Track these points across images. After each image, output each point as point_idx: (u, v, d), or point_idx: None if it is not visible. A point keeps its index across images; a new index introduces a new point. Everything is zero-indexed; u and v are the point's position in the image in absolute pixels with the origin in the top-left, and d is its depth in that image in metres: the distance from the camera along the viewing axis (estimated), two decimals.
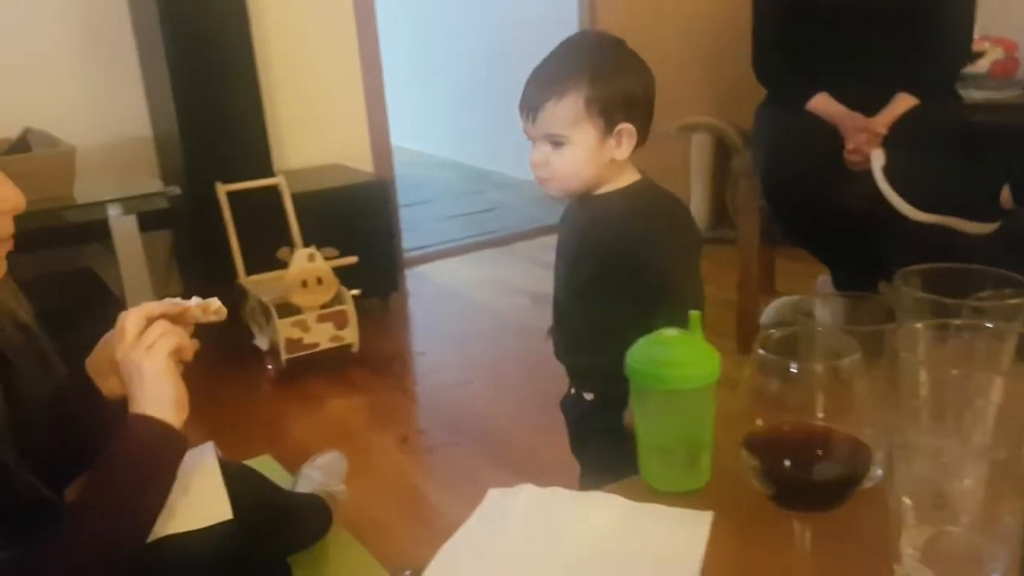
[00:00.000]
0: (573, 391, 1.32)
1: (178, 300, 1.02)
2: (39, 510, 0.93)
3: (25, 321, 1.06)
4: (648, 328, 0.85)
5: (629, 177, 1.21)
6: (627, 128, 1.17)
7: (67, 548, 0.89)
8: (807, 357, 0.60)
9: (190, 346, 0.99)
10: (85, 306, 2.31)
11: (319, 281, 2.50)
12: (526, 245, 3.65)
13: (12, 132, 2.34)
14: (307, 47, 3.00)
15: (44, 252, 2.52)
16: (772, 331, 0.62)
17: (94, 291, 2.45)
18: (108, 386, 1.10)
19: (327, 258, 2.52)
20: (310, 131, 3.05)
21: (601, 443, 1.28)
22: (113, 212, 2.19)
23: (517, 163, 4.54)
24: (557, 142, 1.16)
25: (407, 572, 0.82)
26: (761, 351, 0.59)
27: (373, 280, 2.85)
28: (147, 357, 0.94)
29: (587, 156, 1.16)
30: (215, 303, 1.03)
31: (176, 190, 2.34)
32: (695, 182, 3.62)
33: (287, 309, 2.48)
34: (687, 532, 0.77)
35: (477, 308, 3.08)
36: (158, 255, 2.75)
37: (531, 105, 1.17)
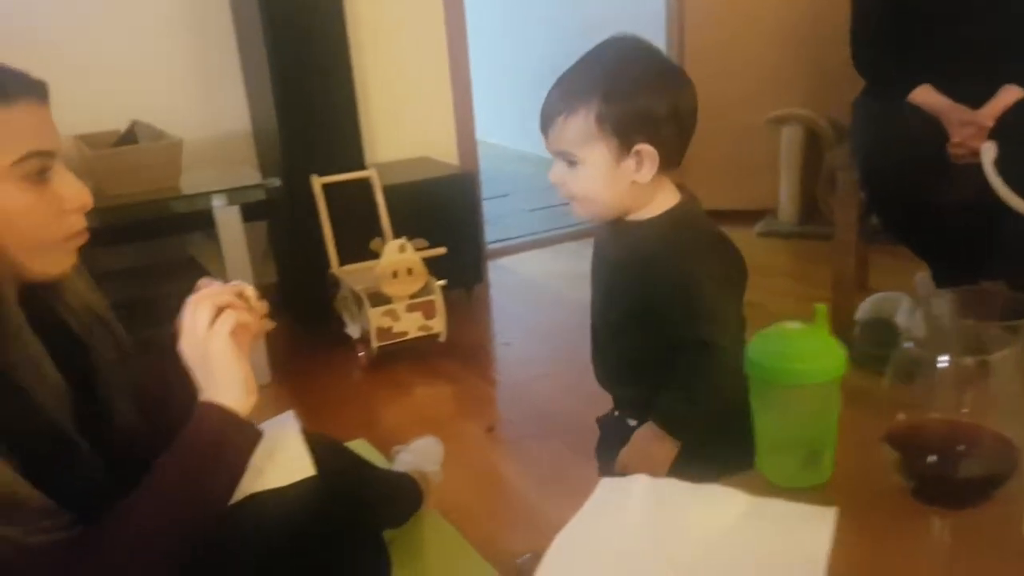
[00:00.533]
0: (616, 413, 1.29)
1: (233, 284, 1.02)
2: (102, 494, 0.94)
3: (101, 311, 1.08)
4: None
5: (666, 201, 1.12)
6: (646, 150, 1.06)
7: (125, 534, 0.90)
8: (951, 352, 0.59)
9: (254, 322, 0.98)
10: (189, 294, 2.41)
11: (409, 272, 2.54)
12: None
13: (121, 125, 2.45)
14: (398, 43, 3.05)
15: (151, 241, 2.63)
16: (911, 326, 0.61)
17: (198, 280, 2.54)
18: None
19: (417, 249, 2.56)
20: (399, 125, 3.11)
21: None
22: (217, 203, 2.27)
23: None
24: (570, 161, 1.09)
25: (527, 556, 0.84)
26: (908, 344, 0.58)
27: (458, 271, 2.88)
28: (211, 338, 0.93)
29: (602, 178, 1.08)
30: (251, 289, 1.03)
31: (276, 182, 2.42)
32: (784, 176, 3.55)
33: (378, 298, 2.53)
34: (811, 528, 0.76)
35: (559, 301, 3.08)
36: (255, 245, 2.84)
37: (543, 119, 1.10)
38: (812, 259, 3.30)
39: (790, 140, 3.48)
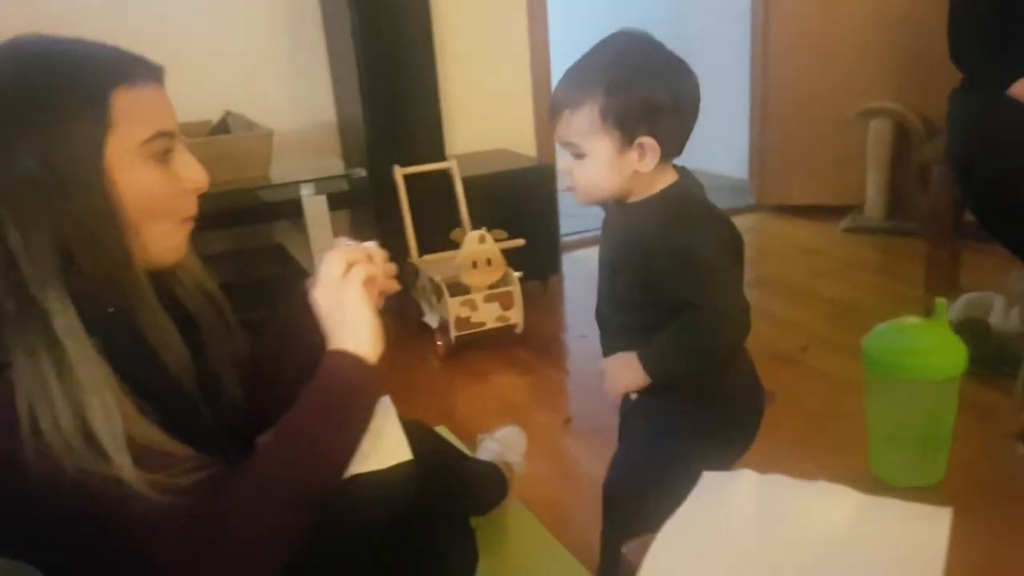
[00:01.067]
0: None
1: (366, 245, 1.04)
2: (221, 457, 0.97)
3: (211, 288, 1.12)
4: None
5: (665, 180, 1.16)
6: (648, 142, 1.10)
7: (256, 484, 0.92)
8: None
9: (383, 279, 1.01)
10: (278, 280, 2.47)
11: (488, 262, 2.56)
12: None
13: (214, 115, 2.53)
14: (480, 36, 3.07)
15: (240, 228, 2.71)
16: (1005, 326, 0.59)
17: (285, 266, 2.61)
18: None
19: (496, 240, 2.58)
20: (479, 117, 3.13)
21: (638, 431, 1.32)
22: (306, 192, 2.33)
23: None
24: (577, 153, 1.13)
25: (632, 543, 0.84)
26: None
27: (534, 263, 2.89)
28: (344, 286, 0.96)
29: (605, 169, 1.12)
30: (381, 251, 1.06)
31: (362, 172, 2.46)
32: (872, 170, 3.46)
33: (456, 288, 2.56)
34: (926, 529, 0.75)
35: None
36: (337, 234, 2.90)
37: (551, 111, 1.15)
38: (900, 256, 3.21)
39: (878, 134, 3.39)
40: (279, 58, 2.83)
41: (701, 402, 1.22)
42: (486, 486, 1.62)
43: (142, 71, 0.92)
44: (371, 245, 1.05)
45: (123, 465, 0.84)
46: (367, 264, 0.98)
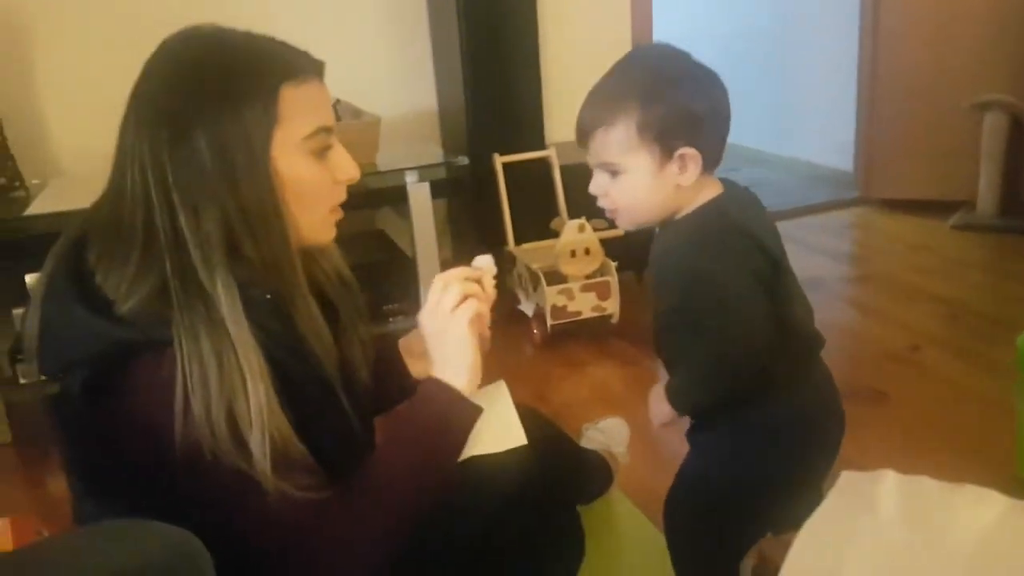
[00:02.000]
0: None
1: (474, 267, 1.07)
2: (354, 447, 1.02)
3: (347, 275, 1.15)
4: None
5: (706, 194, 1.11)
6: (689, 152, 1.06)
7: (359, 496, 0.96)
8: None
9: (487, 315, 1.04)
10: (381, 266, 2.52)
11: (587, 252, 2.55)
12: (787, 225, 3.50)
13: None
14: (583, 24, 3.06)
15: (346, 214, 2.77)
16: None
17: (388, 252, 2.66)
18: (416, 369, 1.22)
19: (596, 230, 2.57)
20: (578, 106, 3.12)
21: (685, 468, 1.28)
22: (410, 179, 2.36)
23: (771, 138, 4.39)
24: (613, 171, 1.08)
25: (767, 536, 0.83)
26: None
27: (628, 254, 2.87)
28: (450, 321, 1.00)
29: (647, 185, 1.07)
30: (492, 271, 1.08)
31: (464, 160, 2.49)
32: (985, 165, 3.30)
33: (553, 277, 2.56)
34: None
35: None
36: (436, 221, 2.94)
37: (581, 132, 1.09)
38: (1013, 255, 3.07)
39: (993, 128, 3.24)
40: (385, 47, 2.88)
41: (742, 434, 1.18)
42: (593, 475, 1.63)
43: (307, 67, 0.96)
44: (485, 262, 1.08)
45: (259, 459, 0.88)
46: (477, 299, 1.02)
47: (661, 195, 1.09)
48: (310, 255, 1.07)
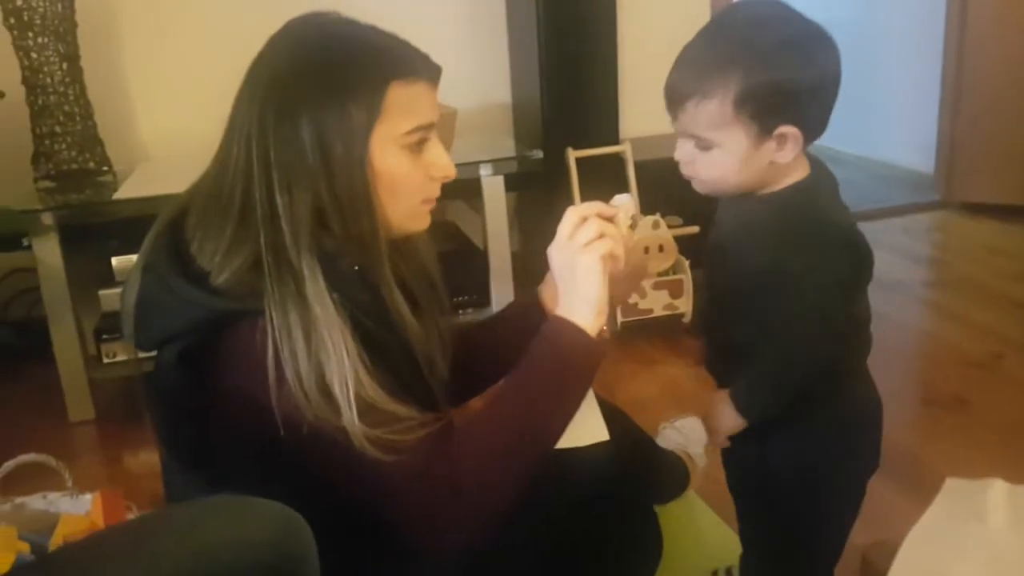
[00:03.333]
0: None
1: (612, 204, 1.03)
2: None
3: (432, 271, 1.16)
4: None
5: (796, 174, 1.03)
6: (791, 132, 0.97)
7: (481, 433, 0.96)
8: None
9: (621, 257, 1.00)
10: (451, 258, 2.53)
11: (660, 248, 2.52)
12: (867, 225, 3.35)
13: None
14: (662, 18, 3.03)
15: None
16: None
17: (458, 244, 2.68)
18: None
19: (670, 227, 2.54)
20: (656, 100, 3.07)
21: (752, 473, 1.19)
22: (484, 172, 2.37)
23: (848, 137, 4.27)
24: (704, 145, 0.99)
25: (873, 544, 0.81)
26: None
27: (700, 253, 2.83)
28: (582, 253, 0.96)
29: (739, 162, 0.99)
30: (630, 211, 1.03)
31: (539, 154, 2.49)
32: None
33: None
34: None
35: None
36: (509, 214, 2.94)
37: (671, 100, 1.00)
38: None
39: None
40: (462, 39, 2.89)
41: (824, 427, 1.11)
42: (670, 476, 1.61)
43: (420, 69, 0.98)
44: (623, 200, 1.05)
45: (352, 421, 0.89)
46: (612, 239, 0.98)
47: (752, 172, 1.01)
48: (396, 249, 1.08)
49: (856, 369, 1.13)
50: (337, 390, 0.89)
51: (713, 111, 0.96)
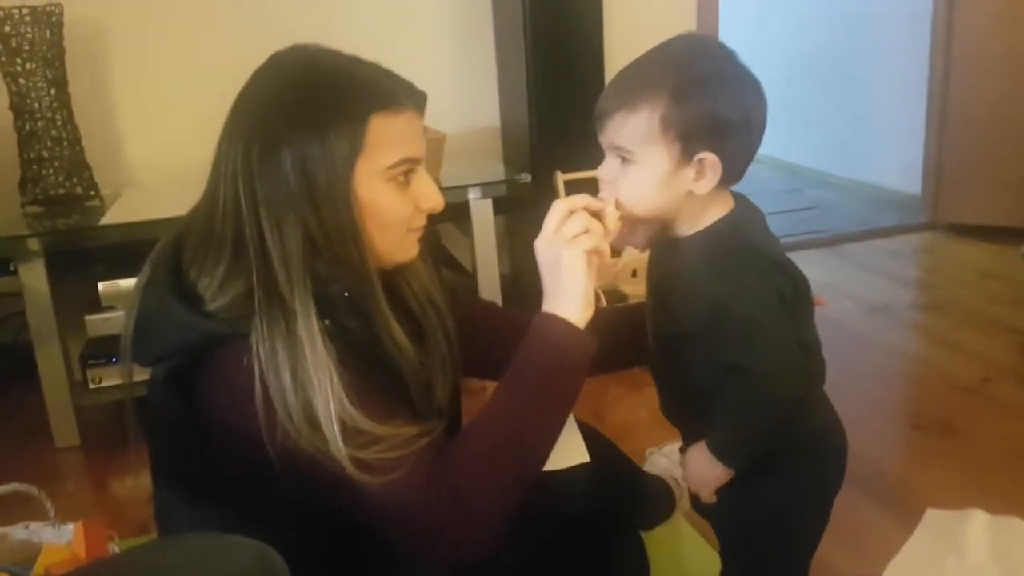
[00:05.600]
0: (681, 447, 1.22)
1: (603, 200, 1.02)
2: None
3: (435, 297, 1.15)
4: None
5: (718, 210, 1.04)
6: (710, 159, 0.98)
7: (475, 444, 0.95)
8: None
9: (607, 252, 0.99)
10: (455, 279, 2.53)
11: (633, 274, 2.53)
12: (854, 248, 3.45)
13: None
14: (647, 43, 3.04)
15: (434, 225, 2.80)
16: None
17: (448, 267, 2.68)
18: None
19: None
20: None
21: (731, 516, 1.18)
22: (473, 195, 2.38)
23: (836, 160, 4.31)
24: (625, 158, 1.00)
25: None
26: None
27: None
28: (567, 247, 0.95)
29: (655, 183, 0.99)
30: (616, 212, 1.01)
31: (527, 177, 2.49)
32: None
33: (613, 296, 2.54)
34: None
35: None
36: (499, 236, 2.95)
37: (601, 110, 1.00)
38: None
39: None
40: (450, 64, 2.91)
41: (793, 460, 1.11)
42: (655, 500, 1.60)
43: (404, 99, 0.98)
44: (612, 200, 1.02)
45: (339, 447, 0.89)
46: (597, 234, 0.97)
47: (668, 197, 1.00)
48: (398, 274, 1.08)
49: (810, 399, 1.11)
50: (323, 420, 0.89)
51: (640, 124, 0.97)
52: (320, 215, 0.94)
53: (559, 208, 0.98)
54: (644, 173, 0.99)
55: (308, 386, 0.90)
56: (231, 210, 0.95)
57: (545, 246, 0.98)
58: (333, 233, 0.94)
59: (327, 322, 0.94)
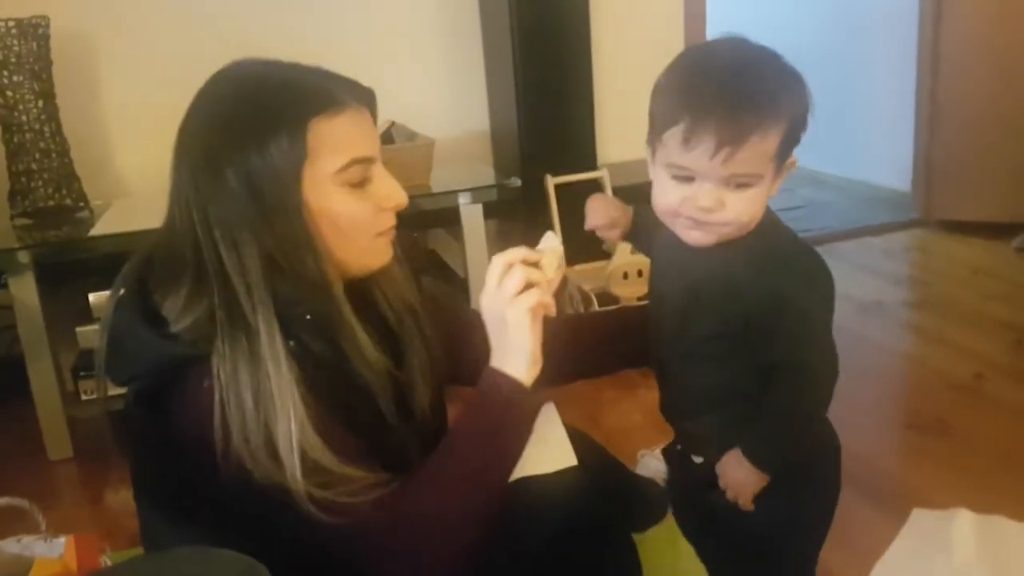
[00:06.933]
0: (679, 447, 1.22)
1: (537, 250, 1.01)
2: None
3: (413, 303, 1.13)
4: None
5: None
6: (792, 160, 1.00)
7: (419, 499, 0.95)
8: None
9: (552, 304, 0.99)
10: (436, 287, 2.53)
11: (639, 273, 2.53)
12: (844, 246, 3.46)
13: (380, 126, 2.61)
14: (637, 45, 3.05)
15: (412, 233, 2.79)
16: None
17: (439, 273, 2.68)
18: None
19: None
20: (632, 126, 3.10)
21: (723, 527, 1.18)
22: (463, 200, 2.38)
23: (827, 158, 4.31)
24: (744, 183, 0.96)
25: None
26: None
27: None
28: (510, 307, 0.95)
29: (765, 197, 0.99)
30: (558, 253, 1.01)
31: (517, 182, 2.49)
32: None
33: (605, 299, 2.55)
34: None
35: None
36: (490, 242, 2.95)
37: (729, 139, 0.93)
38: None
39: None
40: (439, 70, 2.91)
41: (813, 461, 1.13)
42: (648, 502, 1.60)
43: (345, 98, 0.96)
44: (550, 243, 1.02)
45: (296, 479, 0.88)
46: (539, 286, 0.96)
47: (764, 205, 1.01)
48: (372, 282, 1.07)
49: None
50: (282, 450, 0.88)
51: (771, 143, 0.95)
52: (274, 230, 0.92)
53: (497, 264, 0.97)
54: (759, 192, 0.98)
55: (270, 408, 0.88)
56: (188, 236, 0.94)
57: (489, 303, 0.98)
58: (289, 247, 0.93)
59: (292, 343, 0.93)
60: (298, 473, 0.88)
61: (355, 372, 1.00)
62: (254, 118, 0.93)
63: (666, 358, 1.15)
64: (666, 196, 1.01)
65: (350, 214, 0.97)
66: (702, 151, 0.94)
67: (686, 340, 1.10)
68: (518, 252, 0.98)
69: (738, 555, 1.22)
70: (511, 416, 0.98)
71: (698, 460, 1.18)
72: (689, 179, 0.97)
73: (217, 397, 0.89)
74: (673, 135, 0.96)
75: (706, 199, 0.96)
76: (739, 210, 0.98)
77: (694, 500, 1.24)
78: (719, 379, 1.09)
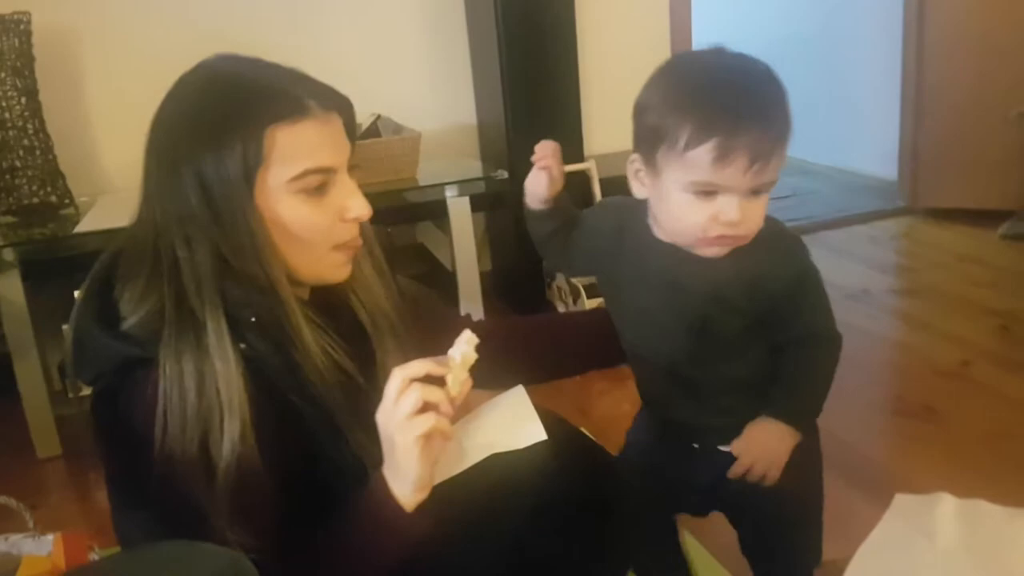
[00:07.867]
0: (697, 446, 1.20)
1: (447, 357, 0.93)
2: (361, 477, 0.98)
3: (387, 308, 1.10)
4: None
5: None
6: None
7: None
8: None
9: (449, 432, 0.92)
10: (421, 280, 2.54)
11: None
12: (832, 235, 3.48)
13: (365, 119, 2.61)
14: (621, 36, 3.06)
15: (384, 227, 2.79)
16: None
17: (428, 265, 2.68)
18: None
19: None
20: (619, 117, 3.10)
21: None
22: (450, 193, 2.38)
23: (817, 149, 4.33)
24: (762, 190, 0.99)
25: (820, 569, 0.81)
26: None
27: None
28: (399, 431, 0.88)
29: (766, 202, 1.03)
30: (469, 361, 0.93)
31: (504, 174, 2.49)
32: None
33: (594, 290, 2.55)
34: None
35: None
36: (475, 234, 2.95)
37: (764, 152, 0.95)
38: None
39: None
40: (425, 63, 2.90)
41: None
42: (630, 480, 1.59)
43: (311, 105, 0.94)
44: (460, 351, 0.93)
45: (221, 495, 0.89)
46: (435, 407, 0.89)
47: None
48: (346, 286, 1.05)
49: None
50: (212, 448, 0.88)
51: (786, 152, 0.99)
52: (224, 231, 0.92)
53: (395, 379, 0.89)
54: (765, 197, 1.01)
55: (213, 400, 0.88)
56: (151, 227, 0.94)
57: (383, 420, 0.90)
58: (237, 249, 0.92)
59: (244, 347, 0.92)
60: (223, 478, 0.88)
61: (306, 380, 0.97)
62: (215, 119, 0.92)
63: (677, 365, 1.14)
64: (692, 215, 1.00)
65: (302, 222, 0.95)
66: (737, 167, 0.94)
67: (709, 344, 1.10)
68: (421, 366, 0.90)
69: (773, 531, 1.22)
70: (387, 538, 0.94)
71: (726, 449, 1.17)
72: (712, 194, 0.98)
73: (161, 388, 0.88)
74: (700, 154, 0.96)
75: (733, 212, 0.97)
76: (758, 217, 1.00)
77: (719, 493, 1.22)
78: (744, 369, 1.13)
